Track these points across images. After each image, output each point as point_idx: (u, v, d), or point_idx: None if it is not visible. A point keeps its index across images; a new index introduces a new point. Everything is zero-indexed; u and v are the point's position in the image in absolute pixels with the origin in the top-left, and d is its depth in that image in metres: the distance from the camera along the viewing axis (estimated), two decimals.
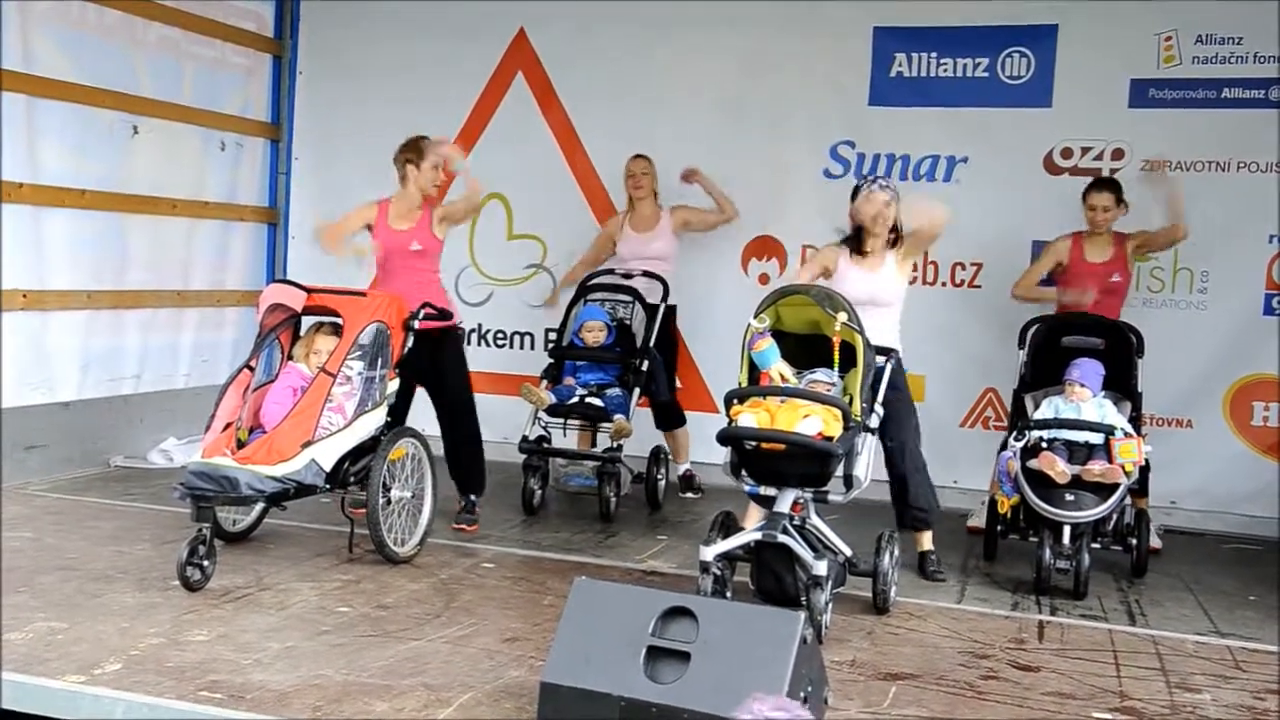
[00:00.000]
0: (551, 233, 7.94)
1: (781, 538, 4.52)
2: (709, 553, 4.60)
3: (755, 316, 4.77)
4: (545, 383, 6.56)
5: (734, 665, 3.36)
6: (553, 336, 7.47)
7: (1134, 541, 5.74)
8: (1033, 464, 5.39)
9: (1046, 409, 5.64)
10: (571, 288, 7.11)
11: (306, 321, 5.40)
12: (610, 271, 7.03)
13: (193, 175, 7.71)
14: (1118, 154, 6.99)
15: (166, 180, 7.45)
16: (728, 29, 7.55)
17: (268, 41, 8.27)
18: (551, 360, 6.74)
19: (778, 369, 4.78)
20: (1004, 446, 5.63)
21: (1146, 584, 5.73)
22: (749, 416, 4.62)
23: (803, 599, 4.45)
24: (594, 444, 6.75)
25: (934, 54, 7.31)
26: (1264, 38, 6.72)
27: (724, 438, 4.67)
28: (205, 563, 4.72)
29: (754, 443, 4.59)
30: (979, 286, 7.19)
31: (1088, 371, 5.60)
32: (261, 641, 4.22)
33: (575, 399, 6.51)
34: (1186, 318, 6.90)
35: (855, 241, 5.45)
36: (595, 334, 6.64)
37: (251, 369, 5.08)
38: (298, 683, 3.84)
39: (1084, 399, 5.55)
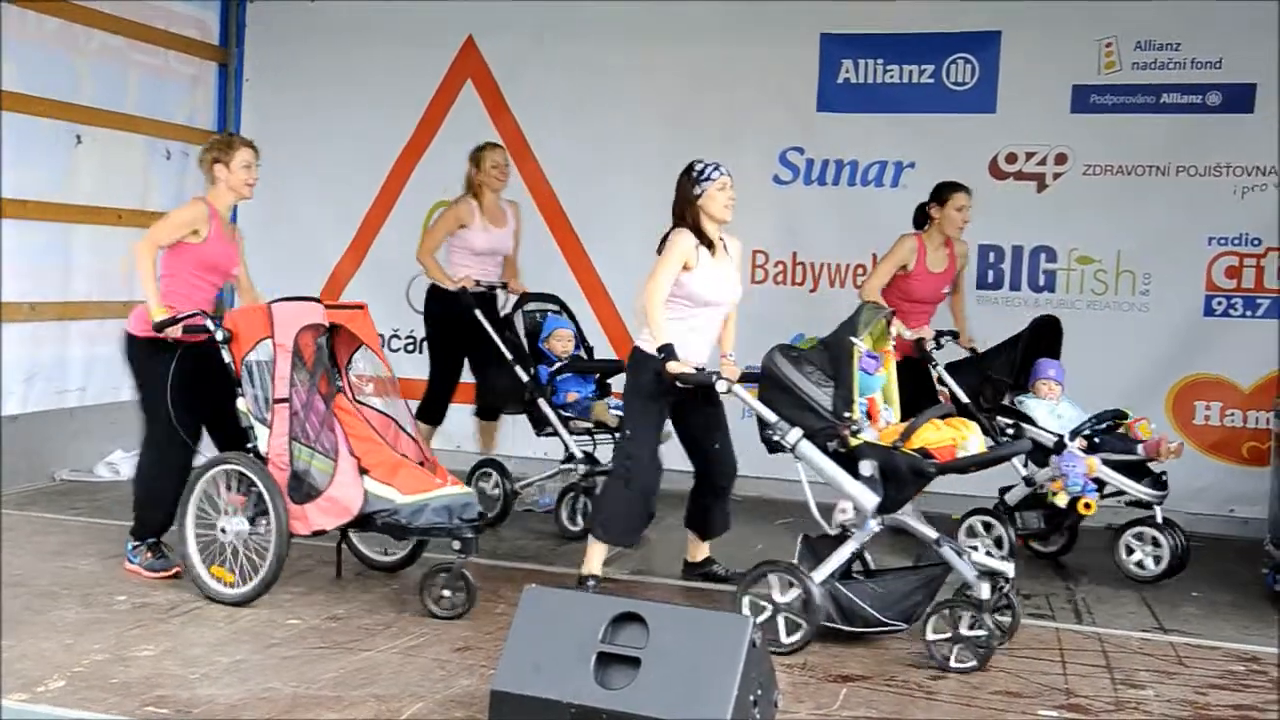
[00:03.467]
0: None
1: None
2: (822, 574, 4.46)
3: (856, 335, 4.52)
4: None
5: (684, 670, 3.37)
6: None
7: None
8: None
9: (1038, 409, 5.82)
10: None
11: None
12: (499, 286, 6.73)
13: (138, 185, 7.62)
14: (1061, 158, 7.10)
15: (111, 190, 7.36)
16: (677, 37, 7.57)
17: (213, 49, 8.19)
18: (554, 375, 6.38)
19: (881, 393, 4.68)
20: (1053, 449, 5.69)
21: (1093, 581, 5.81)
22: (951, 434, 4.54)
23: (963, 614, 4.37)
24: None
25: (880, 60, 7.38)
26: (1201, 43, 6.85)
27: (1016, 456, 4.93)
28: (458, 588, 4.71)
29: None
30: None
31: (1059, 370, 5.91)
32: (209, 655, 4.18)
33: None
34: (1129, 319, 7.02)
35: (701, 236, 5.03)
36: (565, 343, 6.48)
37: (342, 390, 4.90)
38: (246, 696, 3.81)
39: (1058, 396, 5.85)
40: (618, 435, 5.91)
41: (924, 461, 4.39)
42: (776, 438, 4.57)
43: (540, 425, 6.41)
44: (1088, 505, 5.59)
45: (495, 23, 7.88)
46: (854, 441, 4.44)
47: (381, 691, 3.91)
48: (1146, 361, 6.98)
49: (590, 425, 6.31)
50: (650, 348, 4.95)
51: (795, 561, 4.55)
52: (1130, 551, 5.80)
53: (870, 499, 4.42)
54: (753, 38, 7.47)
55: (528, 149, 7.88)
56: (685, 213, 5.06)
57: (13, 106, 6.60)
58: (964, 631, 4.32)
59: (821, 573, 4.45)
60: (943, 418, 4.59)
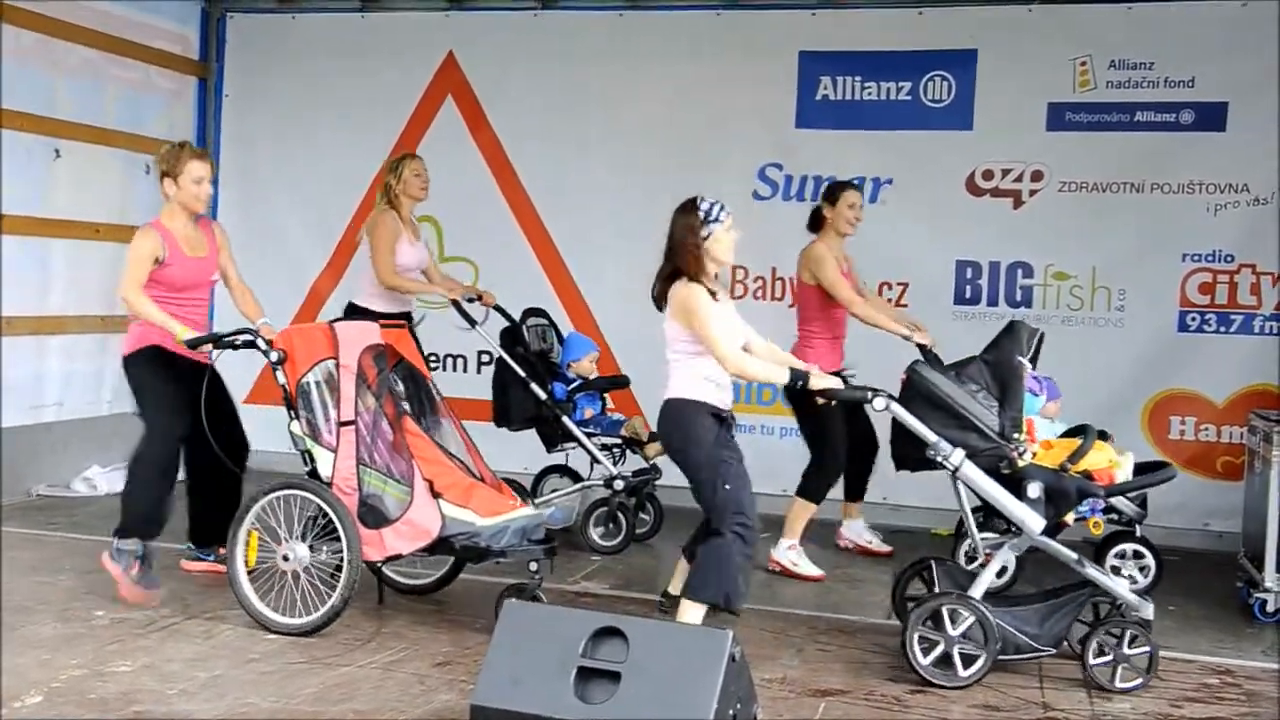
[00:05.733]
0: (483, 255, 7.93)
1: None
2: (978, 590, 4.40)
3: (1024, 354, 4.44)
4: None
5: (664, 684, 3.39)
6: (485, 359, 7.45)
7: None
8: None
9: (1045, 429, 5.76)
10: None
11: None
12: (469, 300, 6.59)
13: (116, 199, 7.60)
14: (1037, 175, 7.16)
15: (89, 204, 7.34)
16: (658, 53, 7.62)
17: (193, 64, 8.18)
18: (573, 393, 6.42)
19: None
20: None
21: None
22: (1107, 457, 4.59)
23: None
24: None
25: (858, 78, 7.44)
26: (1174, 62, 6.93)
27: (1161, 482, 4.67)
28: None
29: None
30: (905, 305, 7.29)
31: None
32: (187, 671, 4.16)
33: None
34: (1104, 334, 7.08)
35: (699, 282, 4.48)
36: (592, 365, 6.55)
37: (409, 412, 4.81)
38: (224, 712, 3.80)
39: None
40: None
41: (1092, 485, 4.42)
42: (938, 458, 4.38)
43: (553, 443, 6.38)
44: (1097, 525, 5.61)
45: (476, 38, 7.91)
46: (1021, 463, 4.37)
47: (361, 707, 3.90)
48: (1122, 377, 7.03)
49: (616, 441, 6.34)
50: (685, 394, 4.49)
51: (937, 588, 4.58)
52: (1116, 572, 5.82)
53: (1037, 521, 4.36)
54: (732, 55, 7.51)
55: (508, 164, 7.89)
56: (687, 254, 4.48)
57: None
58: (1126, 650, 4.35)
59: (976, 593, 4.40)
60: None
